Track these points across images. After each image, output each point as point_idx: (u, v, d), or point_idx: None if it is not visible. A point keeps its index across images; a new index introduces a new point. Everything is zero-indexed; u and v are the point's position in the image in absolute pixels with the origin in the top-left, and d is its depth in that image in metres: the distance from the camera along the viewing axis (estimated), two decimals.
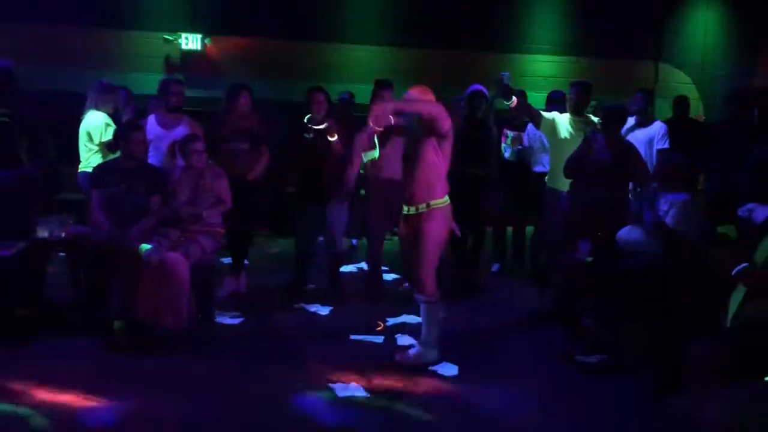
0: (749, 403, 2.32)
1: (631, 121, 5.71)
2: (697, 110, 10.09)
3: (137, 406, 3.52)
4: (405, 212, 4.19)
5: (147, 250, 4.30)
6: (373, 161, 4.99)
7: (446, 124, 3.96)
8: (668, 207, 4.34)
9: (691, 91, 10.21)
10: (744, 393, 2.37)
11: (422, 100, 4.07)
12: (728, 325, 3.08)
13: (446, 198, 4.13)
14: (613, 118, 4.80)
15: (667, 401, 3.32)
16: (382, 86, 5.52)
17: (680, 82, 10.28)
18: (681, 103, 7.14)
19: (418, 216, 4.09)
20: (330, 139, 5.29)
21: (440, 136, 4.00)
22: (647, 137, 5.78)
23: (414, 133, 4.09)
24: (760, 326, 2.93)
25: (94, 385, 3.72)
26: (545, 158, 6.05)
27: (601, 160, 4.66)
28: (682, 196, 4.35)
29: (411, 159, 4.10)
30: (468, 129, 5.50)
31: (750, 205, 3.81)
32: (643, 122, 5.88)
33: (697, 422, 2.58)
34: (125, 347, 4.26)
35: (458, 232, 4.47)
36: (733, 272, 2.95)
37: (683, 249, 4.15)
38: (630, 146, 4.94)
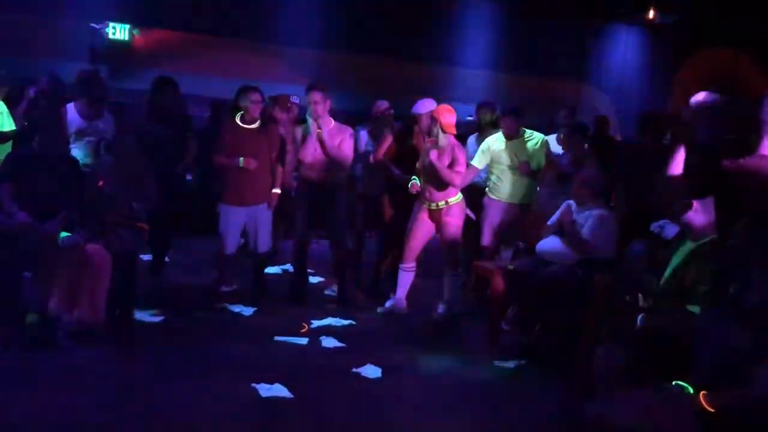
0: (660, 405, 2.47)
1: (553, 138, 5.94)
2: (614, 130, 10.58)
3: (37, 407, 3.36)
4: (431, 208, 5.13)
5: (64, 237, 4.14)
6: (304, 162, 5.32)
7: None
8: (584, 220, 4.53)
9: (609, 112, 10.71)
10: (654, 396, 2.51)
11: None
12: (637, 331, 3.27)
13: (459, 195, 5.12)
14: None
15: (580, 403, 3.46)
16: (312, 90, 5.28)
17: (600, 102, 10.76)
18: (601, 122, 7.45)
19: (439, 211, 5.09)
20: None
21: None
22: None
23: None
24: (662, 334, 3.13)
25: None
26: None
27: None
28: (597, 209, 4.55)
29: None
30: None
31: (661, 222, 4.04)
32: None
33: (610, 424, 2.71)
34: (36, 342, 4.08)
35: (473, 217, 5.31)
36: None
37: (597, 259, 4.35)
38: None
